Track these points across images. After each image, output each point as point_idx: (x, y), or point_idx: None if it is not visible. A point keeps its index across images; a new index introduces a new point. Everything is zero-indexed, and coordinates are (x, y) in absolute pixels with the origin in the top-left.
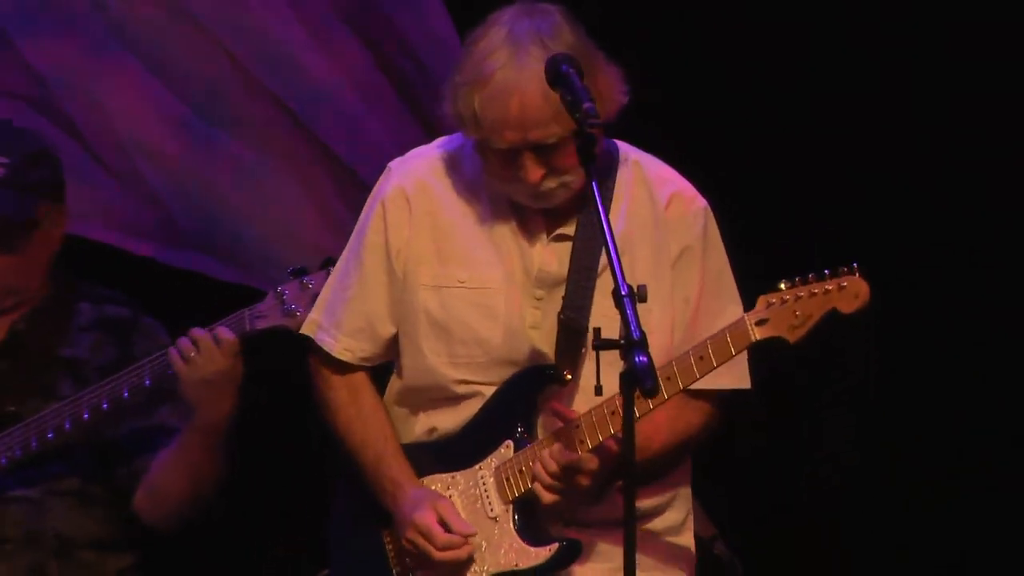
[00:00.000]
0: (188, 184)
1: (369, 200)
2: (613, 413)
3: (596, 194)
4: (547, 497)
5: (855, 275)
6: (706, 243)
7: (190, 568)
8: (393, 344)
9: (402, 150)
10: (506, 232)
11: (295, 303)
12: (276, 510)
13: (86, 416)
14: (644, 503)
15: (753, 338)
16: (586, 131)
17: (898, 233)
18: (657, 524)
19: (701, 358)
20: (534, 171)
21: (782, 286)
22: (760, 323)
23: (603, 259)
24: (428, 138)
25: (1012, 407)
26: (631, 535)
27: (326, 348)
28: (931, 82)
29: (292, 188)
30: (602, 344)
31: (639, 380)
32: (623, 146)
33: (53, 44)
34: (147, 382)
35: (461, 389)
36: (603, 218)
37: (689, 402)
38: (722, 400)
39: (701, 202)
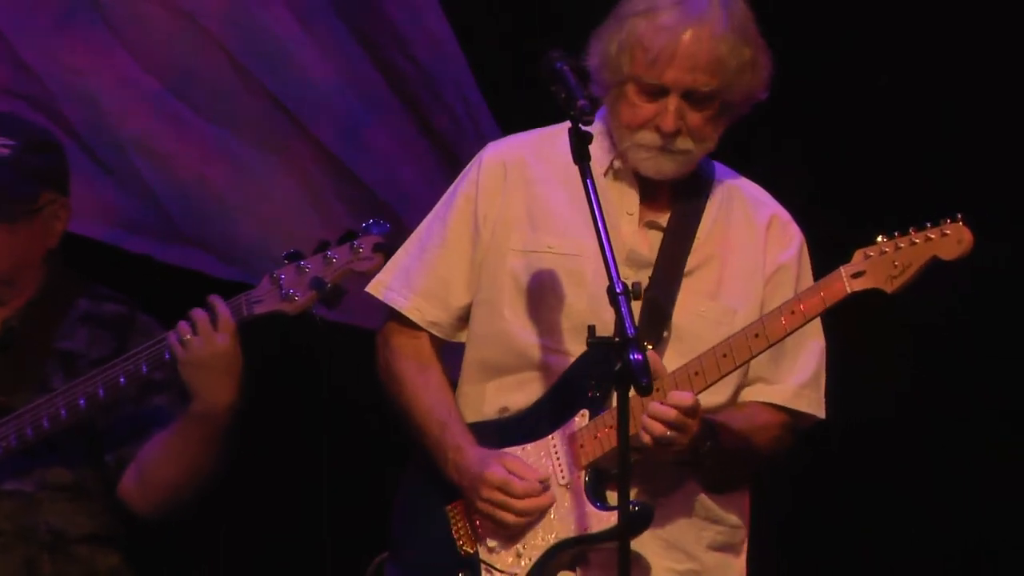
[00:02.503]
0: (185, 182)
1: (464, 171)
2: (724, 355)
3: (592, 192)
4: (647, 439)
5: (959, 222)
6: (800, 269)
7: (183, 563)
8: (461, 320)
9: (398, 147)
10: (604, 211)
11: (292, 288)
12: (269, 505)
13: (82, 403)
14: (709, 508)
15: (848, 290)
16: (580, 128)
17: None
18: (717, 536)
19: (792, 312)
20: (673, 119)
21: (880, 239)
22: (856, 275)
23: (692, 261)
24: (425, 136)
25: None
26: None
27: (395, 306)
28: None
29: (289, 185)
30: (596, 341)
31: (634, 377)
32: (721, 168)
33: (50, 42)
34: (144, 369)
35: (538, 356)
36: (597, 213)
37: (768, 408)
38: (796, 424)
39: (797, 229)
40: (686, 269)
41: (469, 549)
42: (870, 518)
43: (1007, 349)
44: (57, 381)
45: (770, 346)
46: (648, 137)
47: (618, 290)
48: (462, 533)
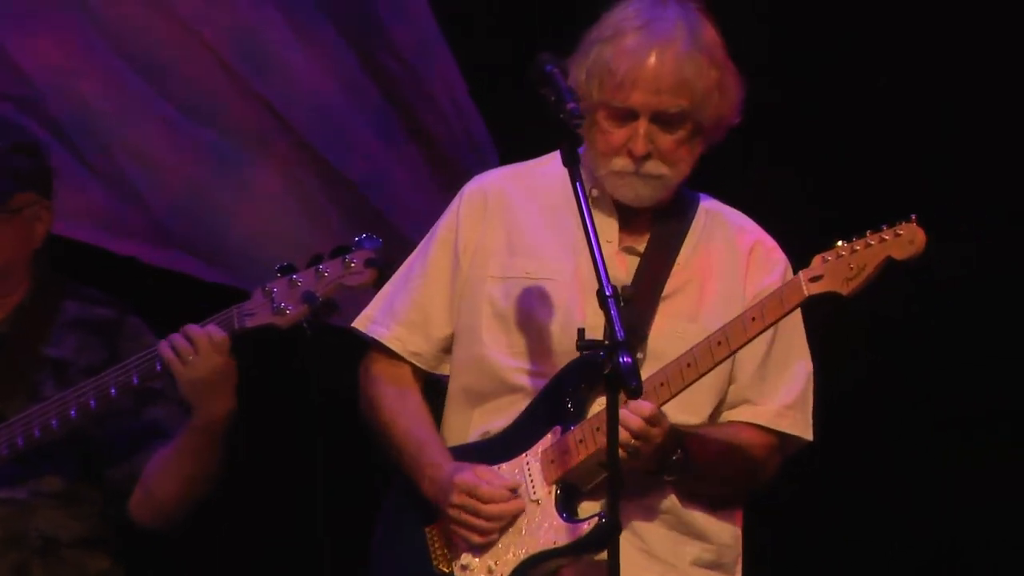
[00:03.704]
0: (173, 184)
1: (448, 205)
2: (689, 365)
3: (581, 194)
4: (625, 457)
5: (912, 223)
6: None
7: (174, 567)
8: (444, 351)
9: (387, 150)
10: (578, 236)
11: (284, 301)
12: (263, 508)
13: (73, 414)
14: (692, 523)
15: (806, 293)
16: (571, 131)
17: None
18: (704, 554)
19: (753, 319)
20: (644, 143)
21: (839, 243)
22: (814, 279)
23: (671, 285)
24: (414, 139)
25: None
26: (615, 538)
27: (376, 336)
28: None
29: (278, 188)
30: (586, 345)
31: (623, 380)
32: (706, 199)
33: (39, 44)
34: (135, 380)
35: (516, 379)
36: (587, 219)
37: (752, 428)
38: (782, 447)
39: (782, 255)
40: (664, 293)
41: (444, 569)
42: (872, 538)
43: (986, 351)
44: (48, 389)
45: (732, 353)
46: (621, 163)
47: (608, 293)
48: (439, 554)
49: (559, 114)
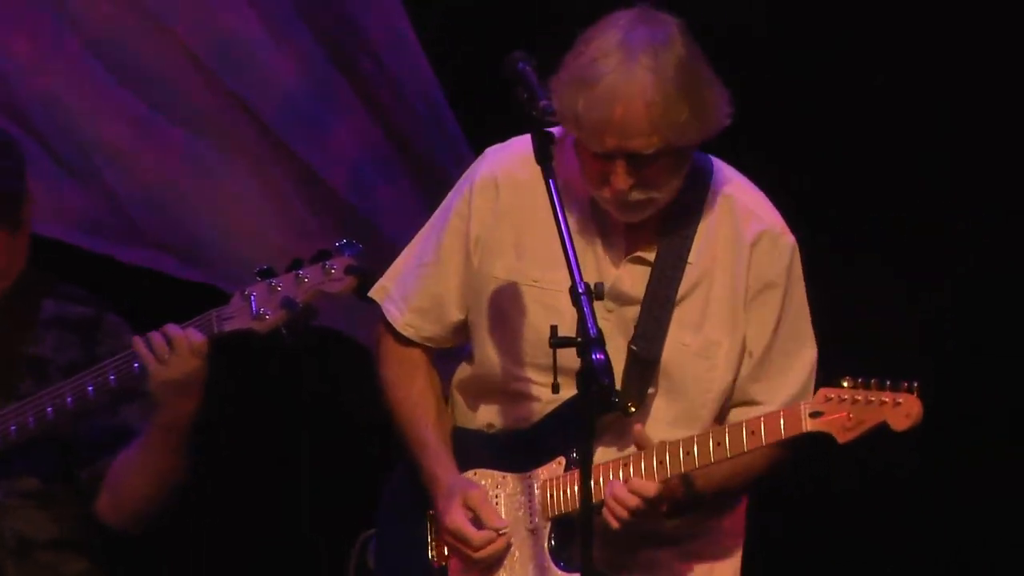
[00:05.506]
0: (148, 183)
1: (460, 181)
2: (687, 453)
3: (555, 194)
4: (615, 524)
5: (912, 394)
6: (790, 281)
7: (150, 569)
8: (460, 330)
9: (361, 149)
10: (586, 243)
11: (264, 307)
12: (246, 509)
13: (50, 413)
14: (696, 522)
15: (804, 428)
16: (542, 129)
17: None
18: (708, 547)
19: (752, 433)
20: (624, 180)
21: (845, 383)
22: (814, 415)
23: (682, 289)
24: (388, 138)
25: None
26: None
27: (390, 319)
28: None
29: (252, 187)
30: (559, 342)
31: (595, 377)
32: (719, 171)
33: (12, 42)
34: (112, 380)
35: (518, 386)
36: (560, 216)
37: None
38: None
39: (790, 239)
40: (677, 297)
41: (442, 562)
42: (863, 525)
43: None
44: (27, 387)
45: (728, 459)
46: (606, 193)
47: (580, 290)
48: (436, 544)
49: (531, 112)
